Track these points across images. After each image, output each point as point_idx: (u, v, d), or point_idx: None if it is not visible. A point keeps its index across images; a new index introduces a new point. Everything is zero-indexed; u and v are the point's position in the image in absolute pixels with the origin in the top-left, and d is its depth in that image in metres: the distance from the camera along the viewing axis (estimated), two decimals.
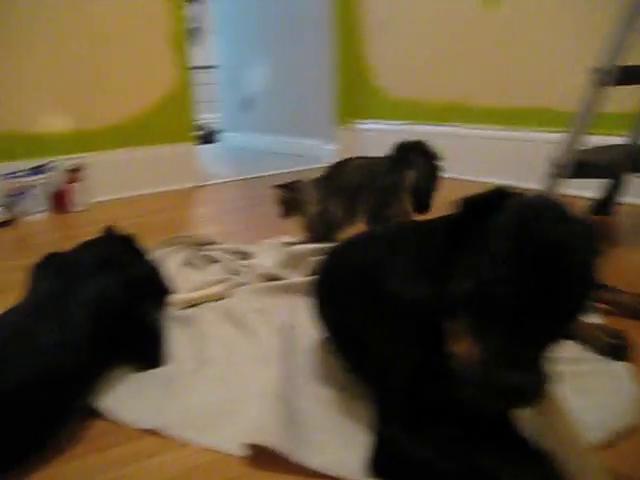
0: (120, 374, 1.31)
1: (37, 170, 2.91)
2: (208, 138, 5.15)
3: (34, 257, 2.20)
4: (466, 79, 3.29)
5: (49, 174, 2.93)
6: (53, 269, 1.33)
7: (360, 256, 1.21)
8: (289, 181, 2.13)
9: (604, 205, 2.43)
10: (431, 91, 3.47)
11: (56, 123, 3.05)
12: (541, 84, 2.94)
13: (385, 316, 1.07)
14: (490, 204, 0.89)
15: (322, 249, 1.82)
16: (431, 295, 0.98)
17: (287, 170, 3.82)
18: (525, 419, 0.94)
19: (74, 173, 2.96)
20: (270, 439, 1.03)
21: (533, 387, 0.81)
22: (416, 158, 2.10)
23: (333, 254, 1.39)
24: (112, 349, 1.27)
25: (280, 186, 2.11)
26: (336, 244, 1.53)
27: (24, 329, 1.12)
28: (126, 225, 2.48)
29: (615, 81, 1.94)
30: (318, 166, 3.86)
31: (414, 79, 3.58)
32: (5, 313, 1.19)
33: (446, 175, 3.24)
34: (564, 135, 2.04)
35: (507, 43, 3.07)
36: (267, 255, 1.97)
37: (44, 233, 2.71)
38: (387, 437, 0.98)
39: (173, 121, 3.37)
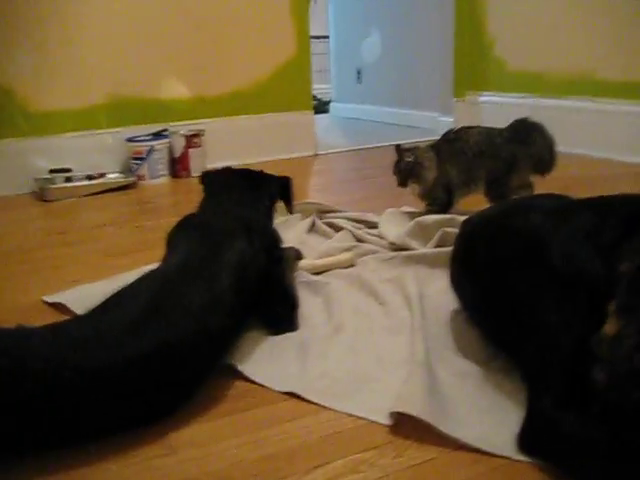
0: (257, 336, 1.31)
1: (158, 135, 2.97)
2: (320, 108, 5.12)
3: (159, 218, 2.30)
4: (591, 50, 3.11)
5: (169, 139, 2.99)
6: (194, 231, 1.34)
7: (524, 224, 1.15)
8: (407, 146, 2.08)
9: None
10: (553, 63, 3.31)
11: (177, 89, 3.10)
12: None
13: (552, 286, 1.01)
14: None
15: (452, 219, 1.78)
16: (602, 271, 0.93)
17: (403, 141, 3.76)
18: None
19: (193, 139, 3.01)
20: (416, 408, 1.00)
21: None
22: (535, 135, 2.05)
23: (476, 223, 1.34)
24: (252, 311, 1.28)
25: (399, 149, 2.06)
26: (476, 213, 1.48)
27: (173, 288, 1.12)
28: None
29: None
30: (434, 138, 3.81)
31: (535, 50, 3.42)
32: (152, 272, 1.21)
33: (569, 151, 3.13)
34: None
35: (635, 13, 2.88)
36: (392, 224, 1.92)
37: (165, 196, 2.77)
38: (544, 414, 0.93)
39: (292, 89, 3.37)
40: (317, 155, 3.47)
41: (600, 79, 3.07)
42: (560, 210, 1.12)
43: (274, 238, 1.47)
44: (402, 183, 2.03)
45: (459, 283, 1.37)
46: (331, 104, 5.31)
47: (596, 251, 0.96)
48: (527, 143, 2.03)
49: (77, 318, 1.16)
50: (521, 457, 0.93)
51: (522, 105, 3.44)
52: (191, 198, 2.56)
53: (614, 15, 2.98)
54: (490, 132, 2.04)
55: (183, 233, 1.36)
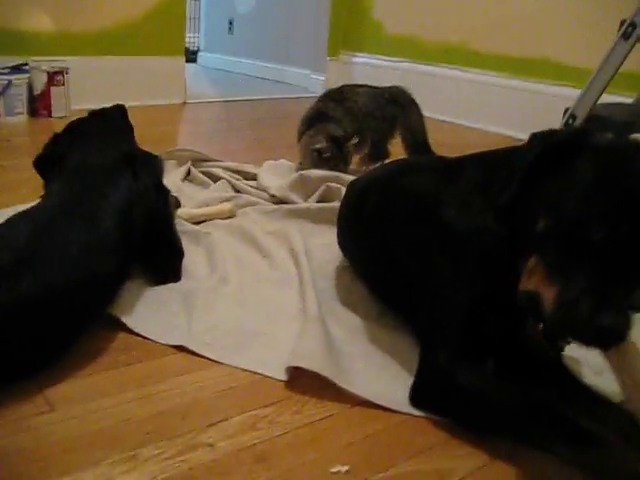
0: (139, 285, 1.23)
1: (17, 69, 2.73)
2: (189, 57, 4.92)
3: (18, 158, 2.12)
4: (467, 22, 3.17)
5: (29, 74, 2.75)
6: (75, 167, 1.21)
7: (412, 183, 1.14)
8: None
9: None
10: (430, 30, 3.35)
11: (41, 21, 2.85)
12: (546, 35, 2.86)
13: (445, 245, 1.01)
14: (571, 143, 0.84)
15: (337, 176, 1.76)
16: (498, 228, 0.94)
17: (274, 96, 3.70)
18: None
19: (56, 76, 2.78)
20: (314, 363, 0.98)
21: (623, 328, 0.77)
22: (413, 106, 2.13)
23: (364, 183, 1.32)
24: (137, 256, 1.19)
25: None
26: (363, 174, 1.47)
27: (54, 226, 1.01)
28: None
29: None
30: (305, 95, 3.77)
31: (413, 16, 3.44)
32: (33, 208, 1.09)
33: (440, 118, 3.21)
34: (581, 89, 1.99)
35: None
36: (272, 176, 1.87)
37: (24, 135, 2.57)
38: (437, 367, 0.93)
39: (164, 33, 3.19)
40: (186, 104, 3.33)
41: (472, 50, 3.15)
42: (446, 167, 1.12)
43: (159, 172, 1.35)
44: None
45: (347, 242, 1.35)
46: (199, 54, 5.12)
47: (486, 205, 0.97)
48: (405, 111, 2.08)
49: None
50: (419, 412, 0.93)
51: (396, 69, 3.48)
52: None
53: None
54: (375, 92, 2.05)
55: (57, 176, 1.22)
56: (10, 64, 2.72)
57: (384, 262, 1.18)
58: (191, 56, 4.98)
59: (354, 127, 1.97)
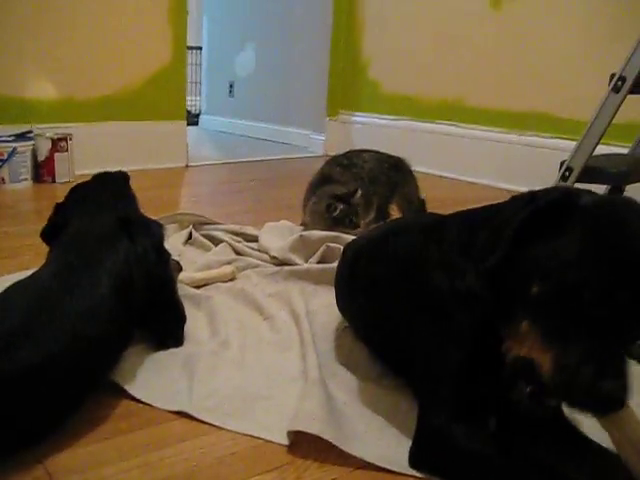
0: (139, 350, 1.23)
1: (21, 136, 2.78)
2: (189, 120, 5.01)
3: (22, 224, 2.14)
4: (463, 78, 3.24)
5: (33, 141, 2.81)
6: (68, 239, 1.22)
7: (401, 245, 1.15)
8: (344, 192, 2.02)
9: None
10: (426, 88, 3.42)
11: (44, 89, 2.92)
12: (540, 89, 2.92)
13: (432, 308, 1.02)
14: (559, 204, 0.85)
15: (337, 237, 1.78)
16: (485, 290, 0.94)
17: (276, 157, 3.75)
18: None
19: (59, 142, 2.84)
20: (315, 426, 0.97)
21: (623, 394, 0.77)
22: (410, 177, 2.22)
23: (362, 243, 1.34)
24: (137, 321, 1.19)
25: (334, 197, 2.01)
26: (363, 232, 1.49)
27: (50, 295, 1.02)
28: None
29: (632, 89, 1.92)
30: (306, 155, 3.83)
31: (410, 75, 3.52)
32: (29, 277, 1.10)
33: (438, 173, 3.25)
34: (576, 141, 2.02)
35: (508, 45, 3.04)
36: (272, 237, 1.89)
37: (28, 201, 2.60)
38: (435, 429, 0.93)
39: (166, 97, 3.27)
40: (188, 167, 3.38)
41: (468, 106, 3.20)
42: (432, 227, 1.13)
43: (160, 236, 1.34)
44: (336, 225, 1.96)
45: (344, 303, 1.36)
46: (201, 116, 5.21)
47: (468, 267, 0.98)
48: (405, 178, 2.16)
49: None
50: (421, 474, 0.93)
51: (394, 127, 3.54)
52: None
53: (479, 46, 3.13)
54: (380, 158, 2.09)
55: (57, 244, 1.23)
56: (15, 132, 2.78)
57: (379, 324, 1.19)
58: (193, 119, 5.07)
59: (362, 191, 2.00)
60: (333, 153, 3.77)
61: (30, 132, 2.82)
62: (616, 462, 0.88)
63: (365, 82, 3.74)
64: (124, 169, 2.98)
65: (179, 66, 3.30)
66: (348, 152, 2.17)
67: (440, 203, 2.64)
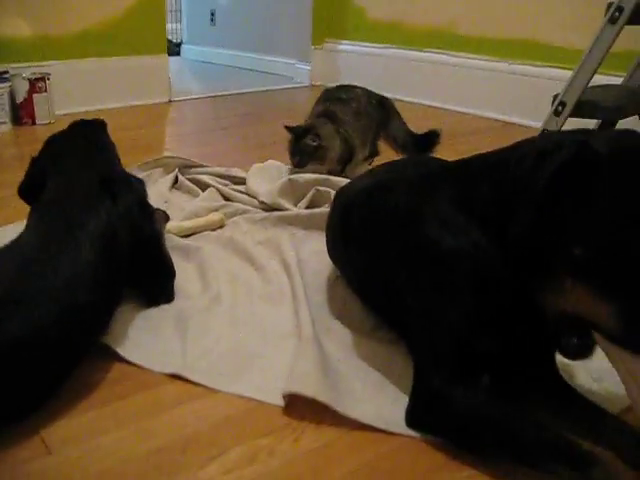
0: (130, 308, 1.22)
1: None
2: (170, 50, 4.85)
3: (3, 172, 2.09)
4: (453, 4, 3.14)
5: (10, 83, 2.72)
6: (52, 196, 1.18)
7: (394, 199, 1.12)
8: (303, 126, 1.96)
9: None
10: (414, 14, 3.31)
11: (18, 27, 2.81)
12: (532, 16, 2.83)
13: (432, 265, 1.00)
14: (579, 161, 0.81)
15: (326, 179, 1.75)
16: (493, 247, 0.92)
17: (260, 88, 3.67)
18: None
19: (37, 83, 2.75)
20: (310, 388, 0.97)
21: None
22: (396, 114, 2.17)
23: (354, 191, 1.30)
24: (125, 281, 1.17)
25: (291, 129, 1.96)
26: (349, 183, 1.45)
27: (35, 265, 0.99)
28: None
29: (629, 19, 1.86)
30: (291, 86, 3.74)
31: (395, 1, 3.41)
32: (11, 246, 1.06)
33: (427, 103, 3.19)
34: (571, 72, 1.97)
35: None
36: (260, 181, 1.85)
37: (8, 146, 2.53)
38: (433, 390, 0.92)
39: (145, 31, 3.15)
40: (171, 102, 3.31)
41: (458, 33, 3.12)
42: (426, 180, 1.10)
43: (142, 192, 1.30)
44: (301, 164, 1.92)
45: (336, 253, 1.34)
46: (182, 46, 5.07)
47: (469, 221, 0.96)
48: (391, 115, 2.12)
49: None
50: (417, 434, 0.93)
51: (381, 55, 3.46)
52: (38, 149, 2.38)
53: None
54: (369, 93, 2.08)
55: (37, 206, 1.19)
56: None
57: (373, 279, 1.17)
58: (174, 49, 4.92)
59: (360, 129, 1.96)
60: (319, 83, 3.74)
61: (6, 72, 2.72)
62: (611, 420, 0.89)
63: (350, 8, 3.62)
64: (105, 107, 2.98)
65: None
66: (340, 86, 2.12)
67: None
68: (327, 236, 1.36)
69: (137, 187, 1.27)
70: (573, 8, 2.64)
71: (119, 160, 1.38)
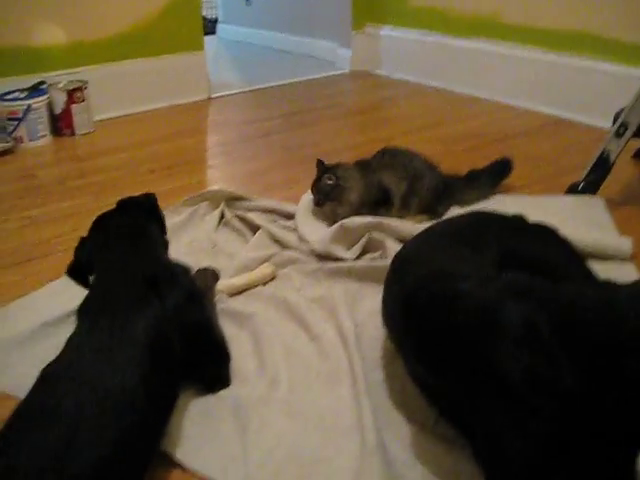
0: (185, 402, 1.19)
1: (36, 91, 2.66)
2: (208, 28, 4.74)
3: (49, 203, 2.07)
4: None
5: (48, 95, 2.68)
6: (100, 297, 1.15)
7: (470, 299, 1.05)
8: (330, 164, 1.87)
9: None
10: (458, 2, 3.17)
11: (53, 35, 2.76)
12: (586, 6, 2.66)
13: (507, 401, 0.93)
14: None
15: (379, 223, 1.69)
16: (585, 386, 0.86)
17: (301, 78, 3.57)
18: None
19: (75, 93, 2.71)
20: None
21: None
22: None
23: (418, 270, 1.22)
24: (180, 378, 1.14)
25: (320, 166, 1.87)
26: (416, 237, 1.38)
27: (89, 390, 0.95)
28: (139, 159, 2.33)
29: None
30: (332, 73, 3.64)
31: None
32: (63, 363, 1.03)
33: (473, 94, 3.07)
34: (634, 95, 1.84)
35: None
36: (311, 225, 1.80)
37: (50, 165, 2.50)
38: None
39: (181, 28, 3.08)
40: (210, 99, 3.24)
41: (505, 22, 2.97)
42: (517, 289, 1.02)
43: (189, 283, 1.27)
44: (319, 204, 1.82)
45: (394, 334, 1.26)
46: (218, 25, 4.95)
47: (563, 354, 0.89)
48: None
49: None
50: None
51: (424, 42, 3.34)
52: (81, 168, 2.36)
53: None
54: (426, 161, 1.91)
55: (82, 322, 1.13)
56: (27, 84, 2.65)
57: (434, 379, 1.11)
58: (210, 27, 4.82)
59: (399, 176, 1.84)
60: (361, 69, 3.62)
61: (43, 83, 2.69)
62: None
63: None
64: (144, 108, 2.92)
65: None
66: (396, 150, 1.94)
67: (478, 139, 2.53)
68: (383, 306, 1.30)
69: (183, 280, 1.23)
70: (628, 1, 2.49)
71: (166, 245, 1.35)
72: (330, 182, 1.79)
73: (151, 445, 1.03)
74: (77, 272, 1.30)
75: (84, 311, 1.14)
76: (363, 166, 1.84)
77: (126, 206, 1.36)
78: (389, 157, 1.86)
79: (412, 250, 1.34)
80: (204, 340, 1.24)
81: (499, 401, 0.94)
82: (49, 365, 1.02)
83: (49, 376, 1.00)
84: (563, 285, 1.02)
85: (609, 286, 0.96)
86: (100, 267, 1.23)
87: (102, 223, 1.33)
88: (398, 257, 1.34)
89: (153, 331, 1.07)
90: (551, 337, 0.90)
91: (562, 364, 0.88)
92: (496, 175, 2.01)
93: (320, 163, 1.87)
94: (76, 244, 1.65)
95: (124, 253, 1.24)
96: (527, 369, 0.91)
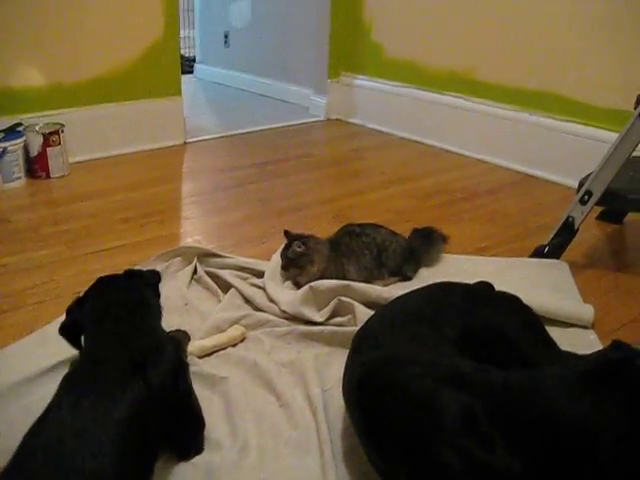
0: (160, 465, 1.19)
1: (11, 133, 2.67)
2: (185, 67, 4.76)
3: (24, 250, 2.07)
4: (473, 48, 3.08)
5: (24, 138, 2.69)
6: (86, 372, 1.16)
7: (412, 398, 1.08)
8: (299, 234, 1.93)
9: (617, 214, 2.36)
10: (432, 56, 3.27)
11: (30, 77, 2.77)
12: (555, 68, 2.77)
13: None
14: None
15: (347, 286, 1.72)
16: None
17: (276, 125, 3.62)
18: None
19: (51, 136, 2.73)
20: None
21: None
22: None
23: (377, 355, 1.25)
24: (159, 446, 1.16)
25: (288, 235, 1.94)
26: (379, 311, 1.42)
27: (59, 464, 0.96)
28: (113, 207, 2.35)
29: None
30: (308, 120, 3.70)
31: (414, 41, 3.35)
32: (41, 439, 1.04)
33: (444, 147, 3.15)
34: (597, 165, 1.92)
35: (521, 18, 2.86)
36: (281, 289, 1.83)
37: (25, 209, 2.50)
38: None
39: (159, 74, 3.12)
40: (186, 143, 3.28)
41: (478, 79, 3.06)
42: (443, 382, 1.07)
43: (175, 354, 1.29)
44: (285, 267, 1.88)
45: (352, 418, 1.28)
46: (196, 65, 5.00)
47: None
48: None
49: None
50: None
51: (398, 94, 3.42)
52: (55, 214, 2.37)
53: (493, 15, 2.96)
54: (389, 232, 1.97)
55: (63, 399, 1.12)
56: (2, 126, 2.66)
57: (380, 456, 1.14)
58: (187, 65, 4.85)
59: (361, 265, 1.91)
60: (335, 117, 3.69)
61: (20, 125, 2.71)
62: None
63: (367, 45, 3.56)
64: (120, 152, 2.95)
65: (172, 39, 3.14)
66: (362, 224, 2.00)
67: (448, 195, 2.59)
68: (343, 383, 1.32)
69: (170, 355, 1.25)
70: (600, 65, 2.59)
71: (161, 315, 1.38)
72: (299, 249, 1.85)
73: None
74: (69, 332, 1.32)
75: (70, 382, 1.15)
76: (333, 247, 1.90)
77: (132, 275, 1.39)
78: (355, 240, 1.91)
79: (372, 329, 1.38)
80: (183, 410, 1.26)
81: None
82: (28, 437, 1.03)
83: (26, 453, 1.00)
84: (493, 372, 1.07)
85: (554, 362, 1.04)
86: (93, 332, 1.25)
87: (104, 286, 1.35)
88: (358, 335, 1.38)
89: (135, 414, 1.08)
90: (488, 423, 0.95)
91: (499, 447, 0.92)
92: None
93: (287, 233, 1.94)
94: (50, 297, 1.67)
95: (120, 322, 1.26)
96: (467, 457, 0.95)
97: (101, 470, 0.98)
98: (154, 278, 1.44)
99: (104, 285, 1.37)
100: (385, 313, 1.42)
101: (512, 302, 1.42)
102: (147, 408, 1.12)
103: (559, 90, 2.76)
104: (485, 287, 1.47)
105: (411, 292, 1.49)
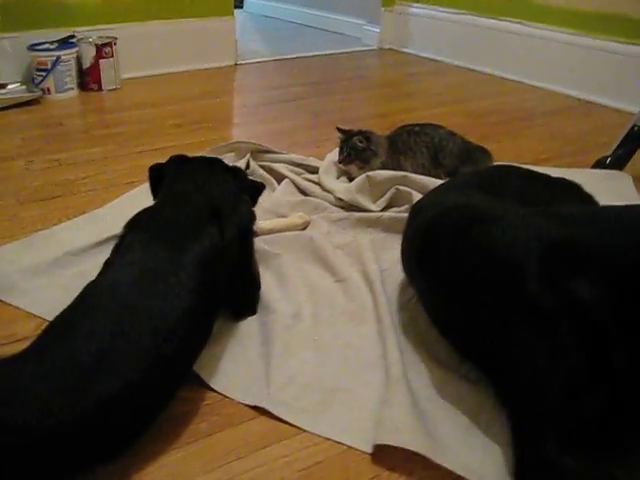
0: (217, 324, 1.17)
1: (65, 43, 2.66)
2: (235, 2, 4.70)
3: (75, 148, 2.07)
4: None
5: (77, 48, 2.68)
6: (149, 231, 1.10)
7: (488, 237, 1.04)
8: (355, 130, 1.87)
9: None
10: None
11: None
12: None
13: (534, 318, 0.92)
14: None
15: (405, 177, 1.68)
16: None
17: (328, 52, 3.56)
18: None
19: (104, 48, 2.71)
20: (402, 438, 0.94)
21: None
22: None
23: (437, 214, 1.21)
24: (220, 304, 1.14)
25: (342, 131, 1.88)
26: (435, 190, 1.38)
27: (128, 313, 0.94)
28: (165, 115, 2.33)
29: None
30: (359, 49, 3.64)
31: None
32: (105, 283, 1.01)
33: (499, 74, 3.06)
34: None
35: None
36: (334, 179, 1.81)
37: (76, 116, 2.51)
38: (546, 459, 0.85)
39: None
40: (237, 65, 3.24)
41: (538, 3, 2.95)
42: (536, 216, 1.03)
43: (249, 220, 1.27)
44: (345, 161, 1.82)
45: (411, 274, 1.27)
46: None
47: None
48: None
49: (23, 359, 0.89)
50: None
51: (455, 22, 3.32)
52: (106, 120, 2.37)
53: None
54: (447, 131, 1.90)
55: (135, 236, 1.10)
56: (56, 37, 2.65)
57: (456, 319, 1.11)
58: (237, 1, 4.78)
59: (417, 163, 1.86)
60: (388, 47, 3.61)
61: (72, 37, 2.70)
62: None
63: None
64: (171, 70, 2.93)
65: None
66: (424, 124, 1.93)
67: (503, 115, 2.52)
68: (402, 254, 1.30)
69: (243, 213, 1.23)
70: None
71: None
72: (361, 144, 1.80)
73: (184, 371, 1.02)
74: (157, 173, 1.28)
75: (138, 226, 1.13)
76: (391, 142, 1.85)
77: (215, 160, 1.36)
78: (413, 138, 1.85)
79: (430, 197, 1.34)
80: (244, 268, 1.25)
81: (529, 324, 0.93)
82: (93, 282, 1.01)
83: (90, 293, 0.99)
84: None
85: None
86: (177, 179, 1.24)
87: (183, 158, 1.32)
88: (415, 206, 1.34)
89: (206, 260, 1.07)
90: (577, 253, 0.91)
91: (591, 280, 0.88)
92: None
93: (340, 129, 1.89)
94: (102, 186, 1.65)
95: (196, 180, 1.23)
96: (558, 294, 0.91)
97: (170, 314, 0.97)
98: (241, 172, 1.38)
99: (184, 157, 1.33)
100: (442, 187, 1.38)
101: (575, 186, 1.36)
102: (218, 256, 1.10)
103: (620, 11, 2.64)
104: (544, 174, 1.42)
105: (468, 171, 1.45)
